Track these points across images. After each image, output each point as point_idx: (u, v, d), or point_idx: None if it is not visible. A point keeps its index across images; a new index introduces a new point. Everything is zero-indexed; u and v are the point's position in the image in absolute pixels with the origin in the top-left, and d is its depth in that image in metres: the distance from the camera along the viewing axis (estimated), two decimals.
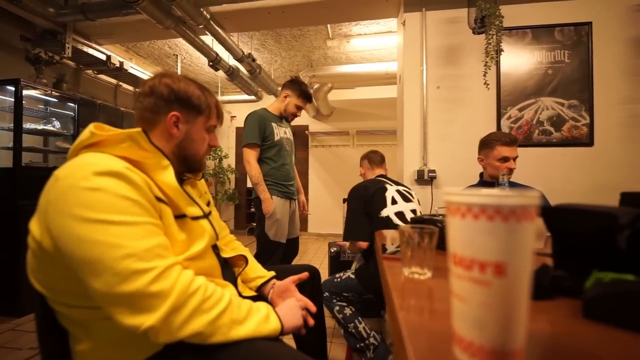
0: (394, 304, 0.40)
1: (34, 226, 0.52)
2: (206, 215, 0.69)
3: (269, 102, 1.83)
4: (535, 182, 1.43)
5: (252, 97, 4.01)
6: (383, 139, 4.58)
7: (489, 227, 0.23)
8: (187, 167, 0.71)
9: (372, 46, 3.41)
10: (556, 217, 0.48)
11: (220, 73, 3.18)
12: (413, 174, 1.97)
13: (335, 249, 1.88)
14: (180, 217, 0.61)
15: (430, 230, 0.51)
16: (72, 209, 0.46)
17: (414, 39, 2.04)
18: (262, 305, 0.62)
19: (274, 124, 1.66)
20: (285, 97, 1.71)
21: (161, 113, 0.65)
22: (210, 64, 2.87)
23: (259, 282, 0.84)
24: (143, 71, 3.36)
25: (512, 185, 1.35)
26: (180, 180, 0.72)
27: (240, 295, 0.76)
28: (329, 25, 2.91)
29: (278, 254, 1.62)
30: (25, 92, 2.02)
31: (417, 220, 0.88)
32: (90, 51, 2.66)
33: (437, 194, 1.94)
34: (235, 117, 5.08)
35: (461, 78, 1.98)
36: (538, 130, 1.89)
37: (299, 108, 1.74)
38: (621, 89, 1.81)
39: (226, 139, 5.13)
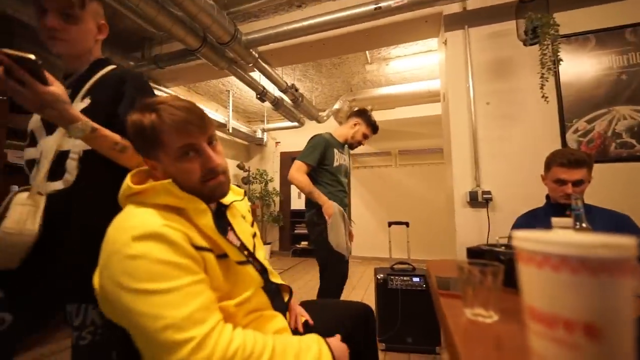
0: (459, 355, 0.36)
1: (96, 280, 0.53)
2: (250, 260, 0.64)
3: (311, 128, 1.91)
4: (620, 203, 1.23)
5: (295, 124, 4.22)
6: (427, 158, 4.41)
7: (572, 281, 0.20)
8: (210, 199, 0.63)
9: (412, 66, 3.39)
10: None
11: (267, 104, 3.42)
12: (465, 196, 1.84)
13: (381, 275, 1.80)
14: (223, 256, 0.60)
15: (495, 269, 0.47)
16: (117, 277, 0.48)
17: (457, 56, 1.98)
18: (312, 342, 0.59)
19: (335, 150, 1.75)
20: (355, 124, 1.82)
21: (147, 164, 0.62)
22: (258, 96, 3.11)
23: None
24: (203, 107, 3.76)
25: (590, 211, 1.16)
26: (223, 206, 0.73)
27: (284, 307, 0.76)
28: (367, 51, 2.99)
29: (343, 270, 1.63)
30: None
31: (476, 253, 0.81)
32: (160, 93, 3.08)
33: (495, 218, 1.77)
34: (279, 142, 5.36)
35: (513, 92, 1.85)
36: (615, 144, 1.65)
37: (365, 137, 1.86)
38: None
39: (271, 164, 5.40)
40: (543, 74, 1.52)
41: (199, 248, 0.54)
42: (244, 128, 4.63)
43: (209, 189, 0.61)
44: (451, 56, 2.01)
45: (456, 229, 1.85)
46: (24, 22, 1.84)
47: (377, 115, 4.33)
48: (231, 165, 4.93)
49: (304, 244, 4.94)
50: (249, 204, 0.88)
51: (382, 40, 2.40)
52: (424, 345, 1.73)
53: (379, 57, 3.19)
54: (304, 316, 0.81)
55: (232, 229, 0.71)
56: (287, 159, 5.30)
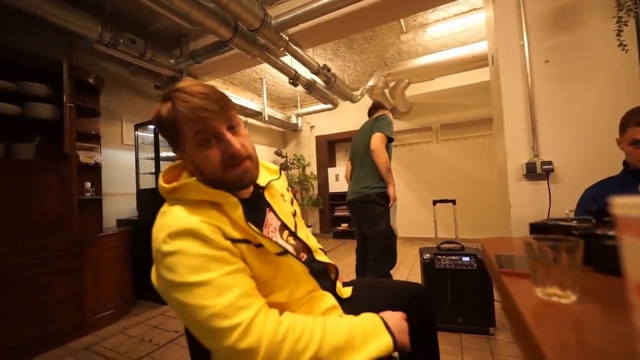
0: (536, 338, 0.33)
1: (153, 277, 0.55)
2: (287, 251, 0.62)
3: (345, 109, 1.94)
4: None
5: (329, 106, 4.15)
6: (473, 130, 4.08)
7: None
8: (234, 188, 0.60)
9: (453, 30, 3.09)
10: None
11: (299, 88, 3.40)
12: (521, 168, 1.68)
13: (428, 255, 1.75)
14: (259, 245, 0.58)
15: (571, 244, 0.42)
16: (162, 274, 0.50)
17: (509, 10, 1.75)
18: (367, 318, 0.59)
19: None
20: (387, 114, 2.02)
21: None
22: (290, 81, 3.10)
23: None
24: (238, 97, 3.88)
25: None
26: (260, 188, 0.71)
27: (332, 285, 0.75)
28: (402, 19, 2.78)
29: (396, 251, 1.85)
30: None
31: (541, 228, 0.74)
32: None
33: (558, 191, 1.59)
34: (314, 126, 5.35)
35: (578, 46, 1.59)
36: None
37: None
38: None
39: (307, 148, 5.44)
40: (621, 17, 1.28)
41: (234, 240, 0.54)
42: (278, 115, 4.69)
43: (235, 176, 0.58)
44: (501, 11, 1.78)
45: (510, 204, 1.70)
46: (80, 34, 2.01)
47: (414, 89, 4.14)
48: (269, 153, 5.06)
49: (344, 226, 4.98)
50: (286, 182, 0.85)
51: (419, 4, 2.20)
52: (476, 326, 1.67)
53: (415, 25, 2.95)
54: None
55: (272, 210, 0.70)
56: (322, 142, 5.29)
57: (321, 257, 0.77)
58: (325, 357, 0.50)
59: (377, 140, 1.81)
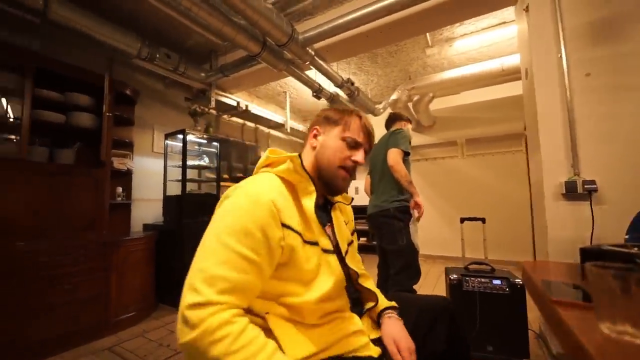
0: None
1: None
2: (336, 251, 0.69)
3: None
4: None
5: None
6: (502, 146, 3.91)
7: None
8: (327, 186, 0.73)
9: (481, 44, 3.03)
10: None
11: (322, 101, 3.44)
12: (559, 187, 1.57)
13: (455, 276, 1.65)
14: (313, 244, 0.63)
15: None
16: (216, 209, 0.60)
17: (544, 22, 1.69)
18: None
19: None
20: (404, 125, 2.04)
21: (309, 133, 0.78)
22: (314, 94, 3.15)
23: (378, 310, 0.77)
24: (262, 110, 3.99)
25: None
26: (329, 203, 0.79)
27: (360, 312, 0.73)
28: (428, 33, 2.76)
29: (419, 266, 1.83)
30: (188, 138, 2.70)
31: (596, 254, 0.66)
32: (226, 100, 3.35)
33: (602, 213, 1.46)
34: None
35: (624, 57, 1.49)
36: None
37: None
38: None
39: None
40: None
41: (285, 226, 0.58)
42: (300, 127, 4.76)
43: (338, 176, 0.71)
44: (536, 23, 1.72)
45: (547, 225, 1.58)
46: (121, 49, 2.16)
47: (438, 103, 4.06)
48: None
49: (362, 240, 4.86)
50: (352, 216, 0.91)
51: (446, 18, 2.18)
52: (507, 355, 1.53)
53: (441, 39, 2.93)
54: (414, 353, 0.66)
55: (332, 226, 0.76)
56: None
57: (367, 282, 0.79)
58: None
59: (393, 155, 1.80)
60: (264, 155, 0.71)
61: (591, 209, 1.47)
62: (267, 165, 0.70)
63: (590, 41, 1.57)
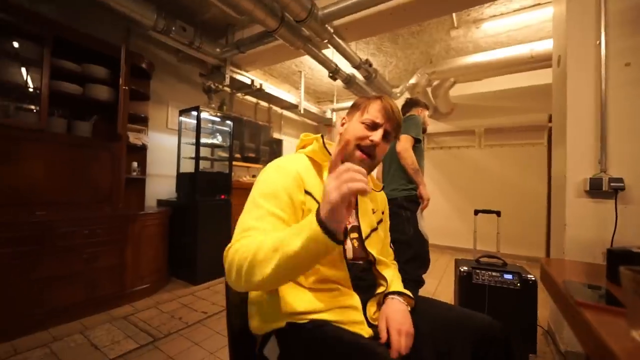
0: None
1: None
2: (358, 233, 0.74)
3: None
4: None
5: None
6: (522, 137, 3.76)
7: None
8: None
9: (510, 27, 2.84)
10: None
11: (338, 82, 3.35)
12: (582, 184, 1.50)
13: (465, 268, 1.63)
14: None
15: None
16: (255, 182, 0.72)
17: (585, 5, 1.55)
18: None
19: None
20: (420, 112, 1.97)
21: (341, 125, 0.86)
22: (330, 75, 3.05)
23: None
24: (276, 89, 3.92)
25: None
26: None
27: (365, 294, 0.72)
28: (454, 13, 2.60)
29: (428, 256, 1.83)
30: (202, 115, 2.69)
31: (623, 255, 0.63)
32: (240, 77, 3.30)
33: (628, 213, 1.40)
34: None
35: None
36: None
37: None
38: None
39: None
40: None
41: (308, 193, 0.69)
42: (314, 108, 4.68)
43: (355, 157, 0.74)
44: (575, 6, 1.58)
45: (566, 222, 1.53)
46: (138, 20, 2.12)
47: (458, 89, 3.89)
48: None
49: None
50: (385, 206, 0.93)
51: None
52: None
53: (468, 20, 2.76)
54: (405, 335, 0.64)
55: (356, 209, 0.78)
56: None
57: (385, 270, 0.79)
58: (262, 258, 0.53)
59: (402, 142, 1.77)
60: (300, 139, 0.84)
61: (615, 208, 1.41)
62: (303, 147, 0.82)
63: (635, 28, 1.44)
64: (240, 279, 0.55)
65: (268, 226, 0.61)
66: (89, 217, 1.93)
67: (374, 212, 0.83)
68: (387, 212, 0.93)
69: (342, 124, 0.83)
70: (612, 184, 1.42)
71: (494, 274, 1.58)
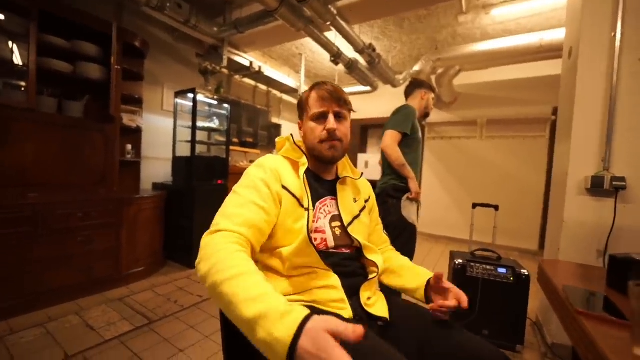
0: None
1: None
2: (308, 209, 0.72)
3: (384, 93, 1.82)
4: None
5: (368, 88, 3.95)
6: (524, 130, 3.71)
7: None
8: (318, 159, 0.80)
9: (521, 14, 2.73)
10: None
11: (340, 67, 3.24)
12: (584, 182, 1.48)
13: (460, 261, 1.64)
14: (306, 209, 0.71)
15: None
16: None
17: None
18: (288, 306, 0.43)
19: (416, 121, 1.82)
20: (424, 95, 1.90)
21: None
22: (332, 59, 2.95)
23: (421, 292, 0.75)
24: (275, 72, 3.80)
25: None
26: (337, 179, 0.85)
27: (349, 277, 0.73)
28: None
29: (414, 243, 1.77)
30: (198, 98, 2.61)
31: (625, 262, 0.62)
32: (239, 59, 3.19)
33: (627, 213, 1.38)
34: None
35: None
36: None
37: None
38: None
39: None
40: None
41: (285, 188, 0.72)
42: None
43: (324, 149, 0.77)
44: None
45: (564, 220, 1.52)
46: None
47: (462, 78, 3.79)
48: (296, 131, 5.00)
49: None
50: (369, 194, 0.92)
51: None
52: (501, 341, 1.57)
53: (477, 5, 2.64)
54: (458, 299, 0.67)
55: (336, 200, 0.80)
56: (355, 127, 5.12)
57: (372, 254, 0.78)
58: (223, 291, 0.48)
59: (387, 138, 1.71)
60: (276, 142, 0.87)
61: (615, 207, 1.40)
62: (280, 149, 0.85)
63: None
64: (204, 281, 0.53)
65: (249, 214, 0.64)
66: (83, 199, 1.90)
67: (355, 201, 0.85)
68: (373, 199, 0.94)
69: (299, 128, 0.86)
70: (614, 183, 1.40)
71: (488, 267, 1.59)
